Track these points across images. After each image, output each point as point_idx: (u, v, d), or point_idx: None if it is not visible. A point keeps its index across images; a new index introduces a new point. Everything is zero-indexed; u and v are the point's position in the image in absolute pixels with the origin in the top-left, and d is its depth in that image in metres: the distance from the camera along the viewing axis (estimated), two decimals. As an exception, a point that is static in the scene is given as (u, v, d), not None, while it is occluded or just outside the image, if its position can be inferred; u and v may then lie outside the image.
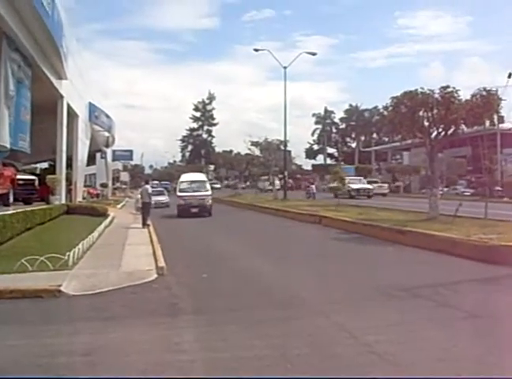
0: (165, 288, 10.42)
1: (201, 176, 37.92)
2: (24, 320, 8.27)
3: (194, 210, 31.57)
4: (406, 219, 20.23)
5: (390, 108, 20.83)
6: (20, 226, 16.70)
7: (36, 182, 25.65)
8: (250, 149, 58.00)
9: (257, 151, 56.67)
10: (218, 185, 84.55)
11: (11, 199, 21.73)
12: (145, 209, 23.96)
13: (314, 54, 44.98)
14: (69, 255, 12.03)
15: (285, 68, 42.87)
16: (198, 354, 6.39)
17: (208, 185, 34.43)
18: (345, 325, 7.49)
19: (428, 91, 19.78)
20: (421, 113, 20.00)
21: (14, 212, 16.85)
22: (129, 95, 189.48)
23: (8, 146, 17.39)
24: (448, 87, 19.66)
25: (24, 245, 14.81)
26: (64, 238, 16.45)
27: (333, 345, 6.72)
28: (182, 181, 35.18)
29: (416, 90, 19.72)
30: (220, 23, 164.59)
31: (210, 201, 32.95)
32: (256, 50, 44.27)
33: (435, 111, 19.84)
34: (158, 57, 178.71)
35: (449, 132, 20.58)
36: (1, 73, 17.11)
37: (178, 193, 33.75)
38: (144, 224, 22.86)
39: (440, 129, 20.40)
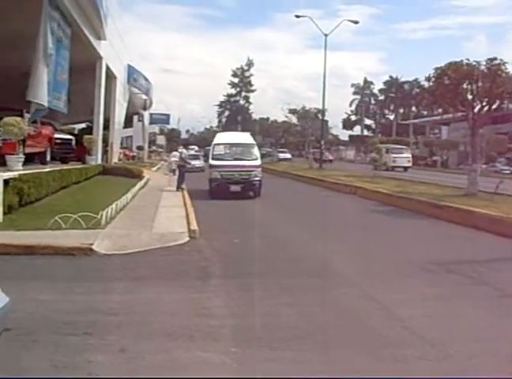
0: (196, 251, 10.38)
1: (246, 137, 25.46)
2: (55, 277, 8.28)
3: (235, 187, 21.71)
4: (443, 194, 19.80)
5: (433, 79, 20.19)
6: (56, 184, 16.82)
7: (73, 142, 25.77)
8: (287, 117, 57.58)
9: (294, 119, 56.20)
10: (289, 155, 72.78)
11: (48, 157, 21.87)
12: (181, 173, 23.97)
13: (356, 22, 44.15)
14: (102, 214, 12.05)
15: (326, 35, 42.12)
16: (226, 320, 6.29)
17: (256, 151, 23.64)
18: (378, 297, 7.31)
19: (474, 63, 19.13)
20: (465, 85, 19.37)
21: (50, 169, 16.96)
22: (167, 59, 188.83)
23: (46, 104, 17.39)
24: (495, 59, 19.00)
25: (58, 203, 14.93)
26: (98, 197, 16.54)
27: (365, 317, 6.57)
28: (218, 144, 23.77)
29: (461, 61, 19.06)
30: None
31: (259, 175, 22.26)
32: (297, 16, 43.61)
33: (480, 84, 19.19)
34: (197, 22, 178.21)
35: (494, 106, 19.96)
36: (41, 31, 17.02)
37: (212, 162, 22.84)
38: (179, 187, 22.89)
39: (484, 103, 19.77)
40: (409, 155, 48.81)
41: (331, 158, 68.75)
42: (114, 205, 13.75)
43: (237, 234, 12.24)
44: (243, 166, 22.07)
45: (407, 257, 10.36)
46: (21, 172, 13.96)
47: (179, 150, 28.08)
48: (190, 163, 24.57)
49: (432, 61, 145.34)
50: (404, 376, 5.08)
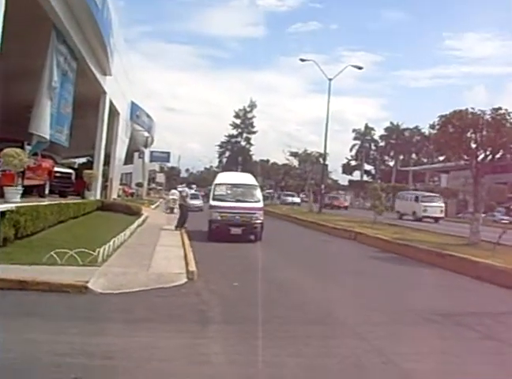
0: (194, 294, 10.06)
1: (248, 178, 24.47)
2: (48, 315, 7.96)
3: (235, 230, 20.69)
4: (444, 243, 19.61)
5: (437, 127, 20.17)
6: (54, 218, 16.53)
7: (73, 176, 25.65)
8: (288, 159, 57.71)
9: (295, 162, 56.31)
10: (298, 200, 69.70)
11: (47, 190, 21.68)
12: (182, 212, 23.69)
13: (360, 68, 44.52)
14: (99, 251, 11.77)
15: (330, 80, 42.55)
16: (224, 368, 5.99)
17: (259, 193, 22.62)
18: (384, 350, 7.00)
19: (479, 112, 19.12)
20: (469, 134, 19.33)
21: (49, 203, 16.72)
22: (170, 98, 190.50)
23: (48, 137, 17.29)
24: (500, 108, 19.00)
25: (55, 237, 14.62)
26: (96, 233, 16.24)
27: (371, 372, 6.25)
28: (220, 184, 22.76)
29: (466, 110, 19.07)
30: (265, 32, 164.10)
31: (261, 218, 21.25)
32: (302, 60, 44.09)
33: (484, 133, 19.14)
34: (202, 62, 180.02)
35: (497, 156, 19.88)
36: (47, 64, 17.00)
37: (212, 202, 21.68)
38: (179, 226, 22.60)
39: (488, 152, 19.73)
40: (442, 205, 45.58)
41: (346, 204, 65.84)
42: (111, 242, 13.45)
43: (237, 278, 11.94)
44: (245, 209, 21.13)
45: (411, 306, 10.05)
46: (19, 204, 13.72)
47: (179, 189, 27.91)
48: (188, 203, 24.07)
49: (433, 109, 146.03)
50: None
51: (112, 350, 6.30)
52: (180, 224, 22.89)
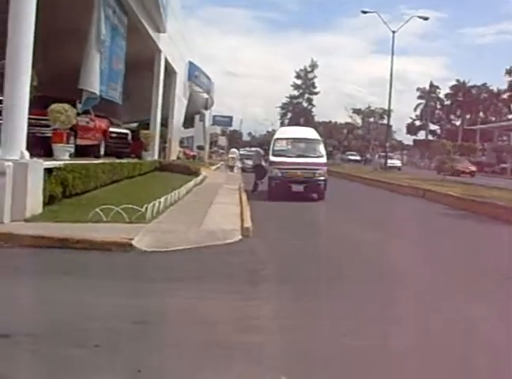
0: (249, 251, 9.14)
1: (310, 132, 22.80)
2: (83, 274, 7.22)
3: (297, 187, 19.32)
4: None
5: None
6: (106, 177, 15.93)
7: (129, 137, 25.08)
8: (351, 117, 56.03)
9: (358, 120, 54.61)
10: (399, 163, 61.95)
11: (102, 151, 21.15)
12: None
13: (426, 18, 42.18)
14: (147, 207, 10.96)
15: (394, 32, 40.62)
16: (275, 337, 5.00)
17: (322, 148, 21.07)
18: (462, 312, 5.93)
19: None
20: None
21: (100, 162, 16.13)
22: (230, 62, 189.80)
23: (97, 93, 16.54)
24: None
25: (107, 196, 13.97)
26: (149, 192, 15.50)
27: (449, 341, 5.17)
28: (280, 139, 21.34)
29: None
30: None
31: (325, 175, 19.81)
32: (364, 12, 42.03)
33: None
34: (260, 25, 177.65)
35: None
36: (94, 16, 16.20)
37: (272, 158, 20.42)
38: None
39: None
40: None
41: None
42: (163, 199, 12.63)
43: (296, 236, 10.95)
44: (307, 164, 19.68)
45: (496, 267, 8.81)
46: (67, 162, 13.10)
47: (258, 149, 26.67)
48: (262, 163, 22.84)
49: (500, 65, 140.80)
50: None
51: (148, 314, 5.47)
52: (255, 187, 21.92)
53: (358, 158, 65.02)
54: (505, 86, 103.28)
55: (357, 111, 52.65)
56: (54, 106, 14.18)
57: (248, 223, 11.03)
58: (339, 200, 20.24)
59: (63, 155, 14.18)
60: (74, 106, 16.76)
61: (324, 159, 20.61)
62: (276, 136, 21.97)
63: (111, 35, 18.14)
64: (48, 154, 14.61)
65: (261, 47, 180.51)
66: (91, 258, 8.10)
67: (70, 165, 12.83)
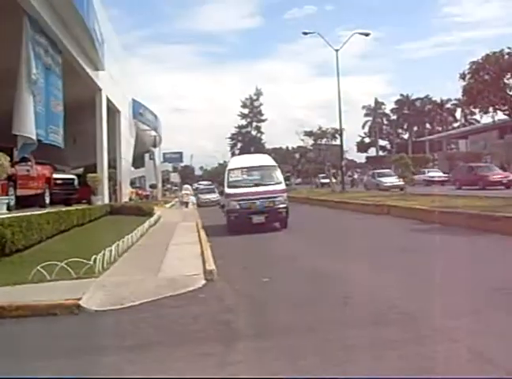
0: (216, 299, 8.00)
1: (264, 159, 21.98)
2: (17, 351, 5.95)
3: (258, 218, 18.26)
4: (492, 205, 17.31)
5: (468, 76, 17.78)
6: (52, 228, 14.57)
7: (76, 182, 23.71)
8: (303, 140, 55.51)
9: (310, 141, 54.12)
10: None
11: (47, 200, 19.76)
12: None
13: (367, 34, 41.91)
14: (96, 259, 9.74)
15: (337, 51, 40.24)
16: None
17: (279, 174, 20.14)
18: (485, 353, 4.92)
19: (516, 52, 16.69)
20: (507, 79, 16.92)
21: (44, 212, 14.77)
22: (175, 98, 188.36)
23: (34, 138, 15.23)
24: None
25: (52, 248, 12.68)
26: (100, 239, 14.26)
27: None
28: (233, 169, 20.16)
29: (502, 51, 16.67)
30: (261, 22, 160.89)
31: (285, 202, 18.91)
32: (305, 33, 41.40)
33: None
34: (202, 59, 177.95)
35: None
36: (23, 55, 14.97)
37: (228, 190, 19.41)
38: None
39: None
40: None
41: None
42: (113, 247, 11.40)
43: (265, 271, 9.86)
44: (266, 193, 18.60)
45: (488, 284, 7.86)
46: (3, 216, 11.79)
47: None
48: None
49: (439, 77, 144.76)
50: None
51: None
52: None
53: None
54: (447, 96, 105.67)
55: (309, 134, 52.18)
56: (-16, 156, 12.92)
57: (211, 265, 9.88)
58: (302, 227, 19.25)
59: (0, 209, 12.86)
60: (11, 154, 15.54)
61: (283, 186, 19.64)
62: (229, 167, 20.81)
63: (45, 76, 16.93)
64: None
65: (205, 81, 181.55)
66: (29, 328, 6.87)
67: (8, 219, 11.53)
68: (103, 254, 10.28)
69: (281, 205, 18.62)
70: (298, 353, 5.24)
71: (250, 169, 20.04)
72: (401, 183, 33.60)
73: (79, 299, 7.64)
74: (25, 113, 14.92)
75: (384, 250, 12.32)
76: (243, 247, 14.92)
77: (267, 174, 19.88)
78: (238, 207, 18.53)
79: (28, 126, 14.97)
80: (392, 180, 39.02)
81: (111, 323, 6.98)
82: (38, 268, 9.08)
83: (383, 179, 41.63)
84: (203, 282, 9.04)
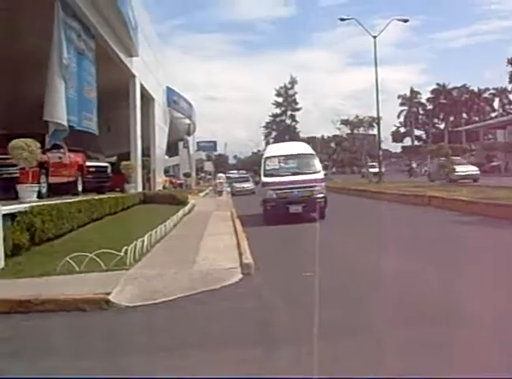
0: (254, 295, 7.45)
1: (302, 147, 21.21)
2: (38, 354, 5.43)
3: (295, 208, 17.65)
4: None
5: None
6: (84, 216, 14.23)
7: (109, 170, 23.43)
8: (339, 129, 54.58)
9: (347, 130, 53.16)
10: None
11: (80, 188, 19.47)
12: None
13: (406, 20, 40.81)
14: (126, 250, 9.25)
15: (375, 37, 39.33)
16: None
17: (318, 163, 19.35)
18: None
19: None
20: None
21: (75, 200, 14.41)
22: (209, 87, 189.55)
23: (65, 124, 14.82)
24: None
25: (84, 238, 12.31)
26: (132, 229, 13.85)
27: None
28: (271, 157, 19.50)
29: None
30: (295, 11, 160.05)
31: (324, 192, 18.26)
32: (342, 19, 40.56)
33: None
34: (237, 48, 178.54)
35: None
36: (54, 39, 14.55)
37: (264, 179, 18.78)
38: None
39: None
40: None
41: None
42: (146, 237, 10.91)
43: (305, 265, 9.16)
44: (304, 182, 17.90)
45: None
46: (34, 204, 11.41)
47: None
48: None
49: (476, 66, 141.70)
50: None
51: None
52: None
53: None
54: (485, 85, 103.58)
55: (345, 122, 51.24)
56: (14, 142, 12.59)
57: (248, 259, 9.30)
58: (341, 217, 18.41)
59: (30, 197, 12.53)
60: (43, 141, 15.18)
61: (321, 175, 18.89)
62: (266, 155, 20.16)
63: (77, 61, 16.54)
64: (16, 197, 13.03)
65: (239, 70, 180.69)
66: (55, 325, 6.41)
67: (37, 207, 11.14)
68: (135, 245, 9.79)
69: (319, 195, 17.92)
70: (350, 357, 4.66)
71: (287, 157, 19.35)
72: (477, 172, 31.69)
73: (108, 293, 7.17)
74: (57, 98, 14.52)
75: (424, 244, 11.70)
76: (281, 238, 14.30)
77: (305, 162, 19.16)
78: (275, 196, 17.95)
79: (60, 112, 14.58)
80: (466, 169, 33.96)
81: (141, 321, 6.47)
82: (67, 258, 8.64)
83: (456, 168, 34.22)
84: (240, 276, 8.49)
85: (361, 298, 7.12)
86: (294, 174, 18.51)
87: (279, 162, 19.25)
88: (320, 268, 8.14)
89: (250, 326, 5.99)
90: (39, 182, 14.65)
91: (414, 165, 57.25)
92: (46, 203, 12.08)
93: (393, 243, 11.27)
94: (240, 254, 9.92)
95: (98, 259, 8.70)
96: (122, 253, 9.00)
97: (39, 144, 13.26)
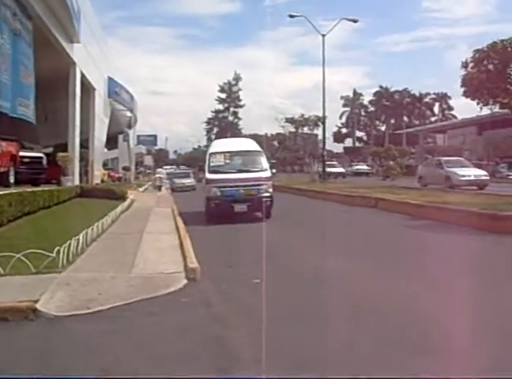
0: (202, 304, 6.70)
1: (249, 143, 20.45)
2: None
3: (240, 207, 17.09)
4: (490, 203, 16.23)
5: (471, 65, 16.58)
6: (15, 210, 13.17)
7: (44, 161, 22.21)
8: (283, 127, 54.20)
9: (291, 128, 52.88)
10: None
11: (12, 179, 18.29)
12: None
13: (355, 21, 40.74)
14: (59, 250, 8.35)
15: (324, 36, 39.14)
16: None
17: (264, 160, 18.72)
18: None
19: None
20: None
21: (5, 192, 13.34)
22: (152, 81, 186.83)
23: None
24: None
25: (12, 235, 11.27)
26: (66, 225, 12.90)
27: None
28: (216, 153, 18.64)
29: (511, 38, 15.48)
30: (242, 7, 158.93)
31: (270, 191, 17.59)
32: (291, 16, 39.90)
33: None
34: (181, 43, 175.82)
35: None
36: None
37: (208, 176, 17.97)
38: None
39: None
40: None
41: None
42: (81, 236, 10.00)
43: (254, 271, 8.42)
44: (250, 179, 17.32)
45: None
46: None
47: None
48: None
49: (416, 73, 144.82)
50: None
51: None
52: None
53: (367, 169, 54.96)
54: (425, 90, 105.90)
55: (290, 120, 50.84)
56: None
57: (193, 262, 8.49)
58: (287, 217, 17.77)
59: (-47, 188, 11.43)
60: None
61: (268, 173, 18.18)
62: (211, 151, 19.26)
63: (12, 42, 15.47)
64: None
65: (184, 65, 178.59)
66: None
67: (-40, 200, 10.13)
68: (69, 244, 8.90)
69: (266, 194, 17.28)
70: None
71: (233, 153, 18.64)
72: (487, 178, 27.05)
73: (36, 301, 6.32)
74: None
75: (375, 247, 11.30)
76: (225, 239, 13.54)
77: (252, 159, 18.53)
78: (219, 194, 17.23)
79: (-9, 96, 13.50)
80: (473, 172, 27.84)
81: (72, 334, 5.66)
82: (-9, 259, 7.71)
83: (458, 171, 27.92)
84: (184, 281, 7.72)
85: (313, 306, 6.50)
86: (240, 171, 17.82)
87: (224, 158, 18.46)
88: (267, 273, 7.48)
89: (200, 344, 5.23)
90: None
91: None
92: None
93: (338, 244, 10.91)
94: (184, 257, 9.15)
95: (26, 260, 7.78)
96: (53, 254, 8.09)
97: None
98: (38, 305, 6.21)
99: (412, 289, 7.37)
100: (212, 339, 5.31)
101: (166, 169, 63.31)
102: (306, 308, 6.47)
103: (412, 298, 6.93)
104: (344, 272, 8.56)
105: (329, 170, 46.32)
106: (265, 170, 18.18)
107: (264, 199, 16.96)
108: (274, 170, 25.26)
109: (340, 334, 5.31)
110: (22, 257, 7.80)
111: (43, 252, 8.10)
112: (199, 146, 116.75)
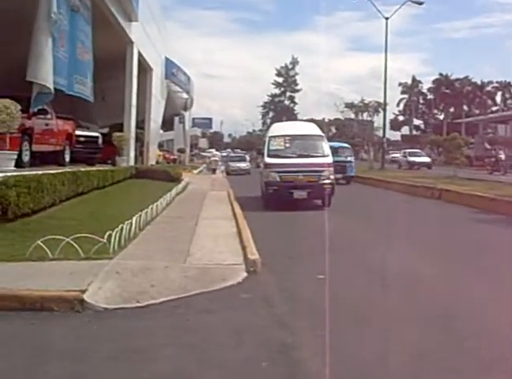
0: (263, 302, 6.05)
1: (311, 127, 19.54)
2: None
3: (300, 194, 16.17)
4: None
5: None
6: (68, 190, 12.78)
7: (100, 140, 21.95)
8: (342, 112, 53.10)
9: (352, 115, 51.80)
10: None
11: (67, 158, 18.07)
12: None
13: (420, 3, 39.03)
14: (110, 235, 7.82)
15: (387, 19, 37.96)
16: None
17: (326, 146, 17.70)
18: None
19: None
20: None
21: (59, 171, 12.97)
22: (208, 64, 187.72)
23: (50, 86, 13.27)
24: None
25: (64, 215, 10.89)
26: (120, 207, 12.50)
27: None
28: (275, 137, 17.83)
29: None
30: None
31: (332, 177, 16.68)
32: (355, -1, 39.34)
33: None
34: (237, 26, 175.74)
35: None
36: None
37: (267, 160, 17.20)
38: None
39: None
40: None
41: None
42: (134, 220, 9.47)
43: (317, 264, 7.70)
44: (311, 165, 16.41)
45: None
46: (9, 174, 10.01)
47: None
48: None
49: (477, 60, 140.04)
50: None
51: None
52: None
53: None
54: (486, 79, 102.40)
55: (350, 106, 49.70)
56: (-9, 103, 11.10)
57: (254, 253, 7.87)
58: (349, 207, 16.85)
59: (6, 165, 11.08)
60: (29, 105, 13.74)
61: (330, 159, 17.11)
62: (270, 134, 18.43)
63: (70, 18, 15.08)
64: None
65: (239, 48, 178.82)
66: (10, 329, 5.02)
67: (13, 178, 9.74)
68: (121, 228, 8.37)
69: (327, 181, 16.37)
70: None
71: (294, 137, 17.71)
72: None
73: (84, 291, 5.79)
74: (41, 57, 12.98)
75: (452, 244, 10.44)
76: (285, 227, 12.80)
77: (313, 144, 17.54)
78: (278, 179, 16.39)
79: (44, 73, 13.06)
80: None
81: (120, 330, 5.10)
82: (38, 242, 7.23)
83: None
84: (244, 274, 7.10)
85: (388, 306, 5.77)
86: (300, 156, 16.96)
87: (284, 142, 17.59)
88: (333, 268, 6.80)
89: (258, 348, 4.61)
90: (20, 150, 13.28)
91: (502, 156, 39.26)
92: (24, 173, 10.69)
93: (407, 238, 10.15)
94: (243, 246, 8.52)
95: (75, 244, 7.28)
96: (104, 240, 7.55)
97: (19, 107, 11.80)
98: (85, 296, 5.68)
99: (501, 293, 6.56)
100: (274, 344, 4.69)
101: (222, 152, 63.23)
102: (378, 311, 5.74)
103: (502, 303, 6.14)
104: (418, 272, 7.79)
105: (411, 159, 44.41)
106: (327, 155, 17.24)
107: (325, 186, 16.17)
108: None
109: (427, 350, 4.58)
110: (71, 241, 7.30)
111: (93, 236, 7.58)
112: (254, 130, 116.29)
